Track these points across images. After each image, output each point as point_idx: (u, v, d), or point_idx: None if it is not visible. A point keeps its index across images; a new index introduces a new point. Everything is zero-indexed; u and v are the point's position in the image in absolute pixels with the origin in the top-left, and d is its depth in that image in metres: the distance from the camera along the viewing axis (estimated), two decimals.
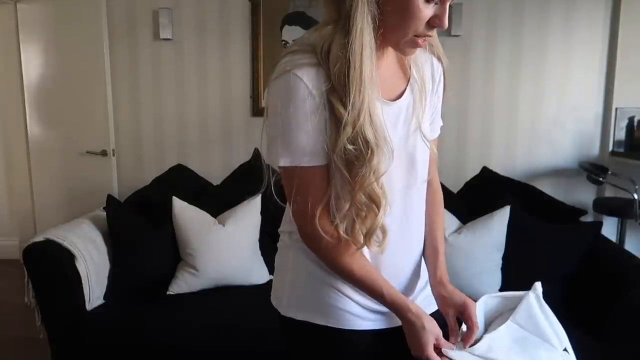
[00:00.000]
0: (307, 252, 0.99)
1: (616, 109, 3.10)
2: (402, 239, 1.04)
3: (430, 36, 0.90)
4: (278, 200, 1.03)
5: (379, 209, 0.90)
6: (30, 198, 3.61)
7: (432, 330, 0.95)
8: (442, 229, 1.16)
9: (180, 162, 2.94)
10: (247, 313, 1.97)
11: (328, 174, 0.91)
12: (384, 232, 0.93)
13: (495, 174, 2.59)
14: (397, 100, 0.97)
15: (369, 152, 0.86)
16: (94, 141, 3.29)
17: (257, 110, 3.29)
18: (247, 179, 2.57)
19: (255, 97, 3.28)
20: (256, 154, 2.71)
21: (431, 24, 0.88)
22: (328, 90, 0.86)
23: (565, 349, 1.12)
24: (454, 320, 1.04)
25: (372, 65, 0.86)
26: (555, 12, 3.08)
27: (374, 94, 0.87)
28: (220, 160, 3.33)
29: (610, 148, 3.13)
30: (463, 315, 1.03)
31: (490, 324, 1.10)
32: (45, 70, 3.36)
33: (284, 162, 0.89)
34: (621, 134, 3.12)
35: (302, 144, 0.88)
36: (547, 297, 2.12)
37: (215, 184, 2.72)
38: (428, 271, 1.12)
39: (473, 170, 2.79)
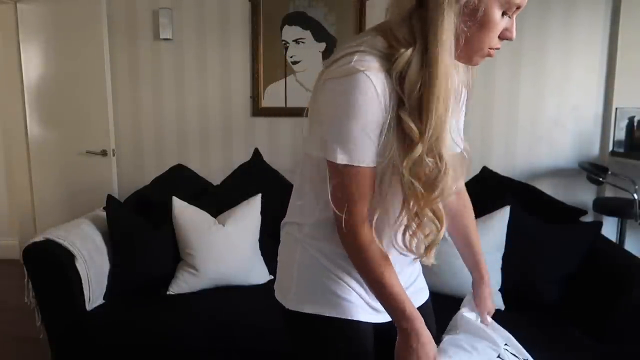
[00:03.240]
0: (316, 245, 1.01)
1: (616, 109, 3.10)
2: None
3: (499, 48, 0.92)
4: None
5: (441, 225, 0.93)
6: (30, 198, 3.61)
7: (429, 355, 0.95)
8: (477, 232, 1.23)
9: (180, 162, 2.94)
10: (247, 313, 1.97)
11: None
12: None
13: (495, 174, 2.59)
14: None
15: (444, 168, 0.88)
16: (94, 141, 3.29)
17: (257, 110, 3.29)
18: (247, 179, 2.57)
19: (255, 97, 3.28)
20: (256, 154, 2.71)
21: (502, 36, 0.90)
22: (399, 107, 0.87)
23: (506, 344, 1.17)
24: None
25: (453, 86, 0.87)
26: (555, 12, 3.09)
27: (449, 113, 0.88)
28: (220, 160, 3.33)
29: (610, 148, 3.13)
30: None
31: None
32: (45, 70, 3.36)
33: (341, 159, 0.89)
34: (621, 134, 3.12)
35: (363, 144, 0.88)
36: (547, 297, 2.13)
37: (215, 184, 2.72)
38: (477, 274, 1.24)
39: (473, 170, 2.79)
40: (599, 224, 2.22)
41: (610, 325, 1.79)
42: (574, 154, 3.20)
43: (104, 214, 2.33)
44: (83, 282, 2.04)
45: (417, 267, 1.16)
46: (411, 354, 0.94)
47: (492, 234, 2.09)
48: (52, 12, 3.28)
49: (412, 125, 0.86)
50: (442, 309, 1.99)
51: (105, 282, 2.20)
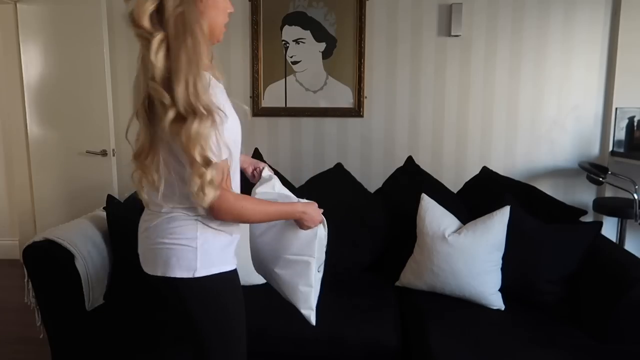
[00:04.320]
0: (206, 219, 1.25)
1: (616, 109, 3.10)
2: None
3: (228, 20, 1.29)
4: None
5: None
6: (30, 198, 3.61)
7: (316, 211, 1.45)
8: None
9: None
10: (246, 313, 1.97)
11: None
12: None
13: (495, 174, 2.58)
14: None
15: None
16: (94, 141, 3.29)
17: (257, 110, 3.30)
18: (247, 178, 2.57)
19: (255, 97, 3.28)
20: (256, 154, 2.71)
21: (228, 11, 1.28)
22: None
23: None
24: (252, 171, 1.63)
25: None
26: (555, 12, 3.09)
27: None
28: None
29: (610, 148, 3.13)
30: (258, 167, 1.61)
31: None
32: (45, 70, 3.36)
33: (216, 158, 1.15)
34: (621, 134, 3.12)
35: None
36: (547, 297, 2.13)
37: None
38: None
39: (473, 170, 2.79)
40: (599, 224, 2.22)
41: (610, 325, 1.79)
42: (574, 154, 3.20)
43: (104, 214, 2.32)
44: (83, 282, 2.03)
45: None
46: (308, 222, 1.42)
47: (492, 234, 2.09)
48: (52, 12, 3.28)
49: None
50: (443, 309, 2.00)
51: (105, 282, 2.20)
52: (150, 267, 1.31)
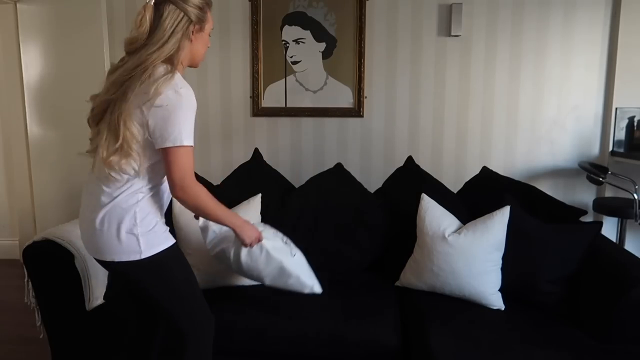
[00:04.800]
0: (145, 205, 1.44)
1: (616, 109, 3.10)
2: None
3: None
4: None
5: None
6: (30, 198, 3.61)
7: (253, 229, 1.69)
8: None
9: None
10: (247, 313, 1.97)
11: None
12: None
13: (495, 174, 2.58)
14: None
15: None
16: None
17: (257, 110, 3.30)
18: (247, 179, 2.57)
19: (255, 97, 3.28)
20: (256, 154, 2.71)
21: (207, 46, 1.59)
22: None
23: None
24: None
25: None
26: (555, 12, 3.09)
27: None
28: (220, 160, 3.33)
29: (610, 148, 3.14)
30: None
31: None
32: (45, 70, 3.36)
33: (190, 142, 1.38)
34: (621, 134, 3.12)
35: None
36: (548, 297, 2.12)
37: (215, 184, 2.71)
38: None
39: (473, 170, 2.79)
40: (599, 224, 2.22)
41: (610, 325, 1.79)
42: (574, 154, 3.20)
43: None
44: (83, 282, 2.03)
45: None
46: (244, 237, 1.64)
47: (492, 234, 2.09)
48: (52, 12, 3.28)
49: None
50: (443, 309, 2.00)
51: (105, 282, 2.19)
52: (99, 254, 1.46)
